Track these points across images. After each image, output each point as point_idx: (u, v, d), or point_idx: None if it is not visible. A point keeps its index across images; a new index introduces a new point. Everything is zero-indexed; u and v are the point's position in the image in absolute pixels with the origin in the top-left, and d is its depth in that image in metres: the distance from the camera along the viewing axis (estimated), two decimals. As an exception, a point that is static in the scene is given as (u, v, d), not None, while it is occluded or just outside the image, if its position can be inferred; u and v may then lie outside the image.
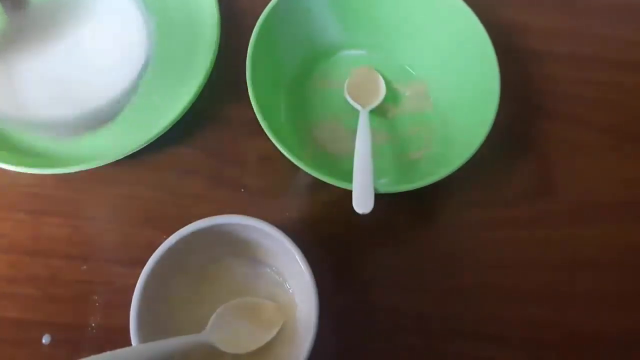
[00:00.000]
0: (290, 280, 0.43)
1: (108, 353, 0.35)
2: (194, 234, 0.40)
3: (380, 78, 0.52)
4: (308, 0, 0.50)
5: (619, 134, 0.53)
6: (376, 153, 0.46)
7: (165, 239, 0.40)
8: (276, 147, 0.44)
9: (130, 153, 0.47)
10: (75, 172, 0.46)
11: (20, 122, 0.40)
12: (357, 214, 0.41)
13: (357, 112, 0.49)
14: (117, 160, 0.46)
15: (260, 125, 0.44)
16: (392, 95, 0.52)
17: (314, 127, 0.51)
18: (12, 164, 0.45)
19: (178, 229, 0.40)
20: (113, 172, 0.48)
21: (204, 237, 0.40)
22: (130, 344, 0.38)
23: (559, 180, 0.51)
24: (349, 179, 0.43)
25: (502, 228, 0.49)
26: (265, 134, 0.44)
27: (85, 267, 0.46)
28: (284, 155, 0.44)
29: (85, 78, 0.44)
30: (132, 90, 0.43)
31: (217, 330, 0.41)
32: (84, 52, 0.44)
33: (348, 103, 0.50)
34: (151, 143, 0.47)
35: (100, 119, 0.43)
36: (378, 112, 0.51)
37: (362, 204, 0.41)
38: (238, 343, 0.41)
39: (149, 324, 0.39)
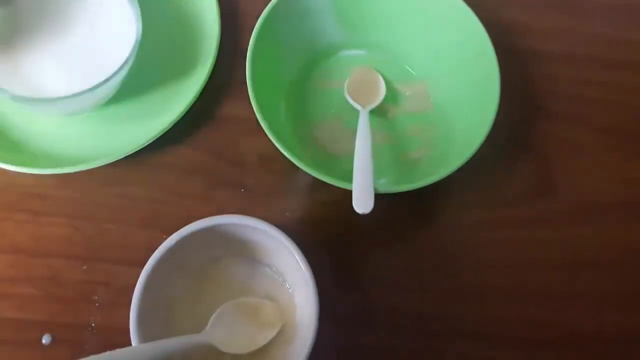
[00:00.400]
0: (290, 280, 0.43)
1: (108, 353, 0.35)
2: (194, 234, 0.40)
3: (380, 78, 0.52)
4: (308, 0, 0.50)
5: (619, 134, 0.53)
6: (376, 153, 0.46)
7: (165, 239, 0.40)
8: (276, 147, 0.44)
9: (130, 153, 0.47)
10: (75, 172, 0.46)
11: (33, 101, 0.43)
12: (357, 214, 0.41)
13: (357, 112, 0.49)
14: (117, 160, 0.47)
15: (260, 125, 0.44)
16: (392, 95, 0.52)
17: (314, 127, 0.51)
18: (12, 164, 0.45)
19: (178, 229, 0.40)
20: (113, 172, 0.48)
21: (204, 237, 0.40)
22: (130, 344, 0.38)
23: (558, 180, 0.51)
24: (349, 179, 0.43)
25: (502, 228, 0.49)
26: (265, 134, 0.44)
27: (85, 267, 0.46)
28: (284, 155, 0.44)
29: (82, 59, 0.47)
30: (125, 67, 0.45)
31: (216, 330, 0.41)
32: (79, 36, 0.47)
33: (348, 103, 0.50)
34: (151, 143, 0.47)
35: (102, 93, 0.46)
36: (378, 112, 0.51)
37: (362, 204, 0.41)
38: (238, 343, 0.41)
39: (149, 324, 0.39)
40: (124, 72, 0.45)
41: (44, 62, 0.46)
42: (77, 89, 0.43)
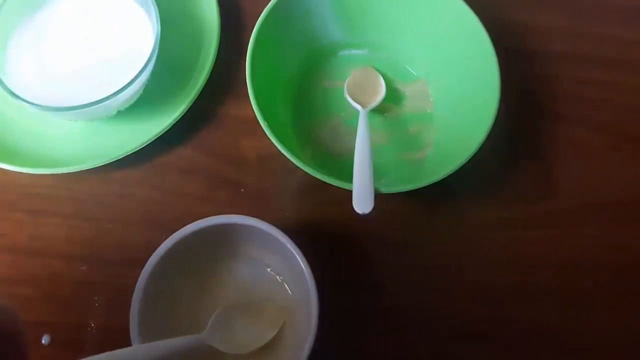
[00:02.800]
0: (290, 280, 0.43)
1: (108, 353, 0.35)
2: (194, 234, 0.40)
3: (381, 78, 0.52)
4: (308, 0, 0.50)
5: (619, 134, 0.53)
6: (376, 153, 0.46)
7: (165, 239, 0.40)
8: (276, 147, 0.44)
9: (130, 153, 0.47)
10: (75, 172, 0.46)
11: (63, 110, 0.43)
12: (357, 214, 0.41)
13: (357, 112, 0.49)
14: (117, 160, 0.46)
15: (260, 125, 0.44)
16: (393, 95, 0.52)
17: (314, 127, 0.51)
18: (11, 163, 0.45)
19: (178, 229, 0.40)
20: (113, 172, 0.48)
21: (204, 237, 0.40)
22: (130, 344, 0.38)
23: (559, 180, 0.51)
24: (349, 179, 0.43)
25: (502, 228, 0.49)
26: (265, 134, 0.44)
27: (85, 267, 0.46)
28: (284, 155, 0.44)
29: (103, 68, 0.47)
30: (144, 75, 0.45)
31: (216, 331, 0.41)
32: (100, 47, 0.48)
33: (348, 103, 0.50)
34: (151, 143, 0.47)
35: (122, 101, 0.46)
36: (378, 112, 0.51)
37: (362, 204, 0.41)
38: (237, 343, 0.41)
39: (149, 324, 0.39)
40: (146, 74, 0.45)
41: (68, 70, 0.47)
42: (100, 95, 0.43)
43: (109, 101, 0.43)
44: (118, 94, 0.43)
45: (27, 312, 0.45)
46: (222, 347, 0.40)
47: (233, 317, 0.42)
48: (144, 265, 0.39)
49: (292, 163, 0.43)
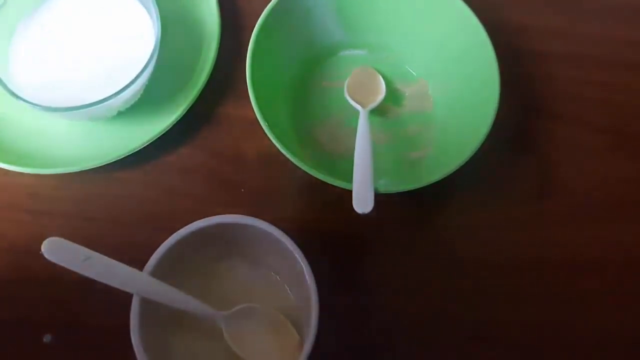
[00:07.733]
0: (290, 280, 0.43)
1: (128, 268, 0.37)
2: (194, 234, 0.40)
3: (380, 78, 0.52)
4: (308, 0, 0.50)
5: (619, 134, 0.53)
6: (376, 153, 0.46)
7: (165, 239, 0.40)
8: (276, 147, 0.44)
9: (130, 153, 0.47)
10: (75, 172, 0.46)
11: (64, 110, 0.43)
12: (357, 213, 0.41)
13: (357, 112, 0.49)
14: (117, 160, 0.47)
15: (260, 125, 0.44)
16: (392, 95, 0.52)
17: (314, 127, 0.51)
18: (12, 164, 0.45)
19: (178, 229, 0.40)
20: (113, 172, 0.48)
21: (204, 237, 0.40)
22: (131, 344, 0.38)
23: (558, 180, 0.51)
24: (349, 179, 0.43)
25: (502, 228, 0.49)
26: (265, 134, 0.44)
27: (85, 267, 0.46)
28: (284, 155, 0.44)
29: (104, 68, 0.47)
30: (145, 75, 0.45)
31: (234, 320, 0.40)
32: (100, 46, 0.48)
33: (348, 103, 0.50)
34: (151, 143, 0.47)
35: (122, 101, 0.46)
36: (378, 112, 0.51)
37: (362, 204, 0.41)
38: (244, 345, 0.41)
39: (149, 324, 0.39)
40: (147, 74, 0.45)
41: (69, 70, 0.47)
42: (101, 95, 0.43)
43: (109, 101, 0.43)
44: (118, 94, 0.43)
45: (27, 312, 0.45)
46: (228, 337, 0.40)
47: (253, 320, 0.41)
48: (144, 265, 0.39)
49: (292, 163, 0.44)
